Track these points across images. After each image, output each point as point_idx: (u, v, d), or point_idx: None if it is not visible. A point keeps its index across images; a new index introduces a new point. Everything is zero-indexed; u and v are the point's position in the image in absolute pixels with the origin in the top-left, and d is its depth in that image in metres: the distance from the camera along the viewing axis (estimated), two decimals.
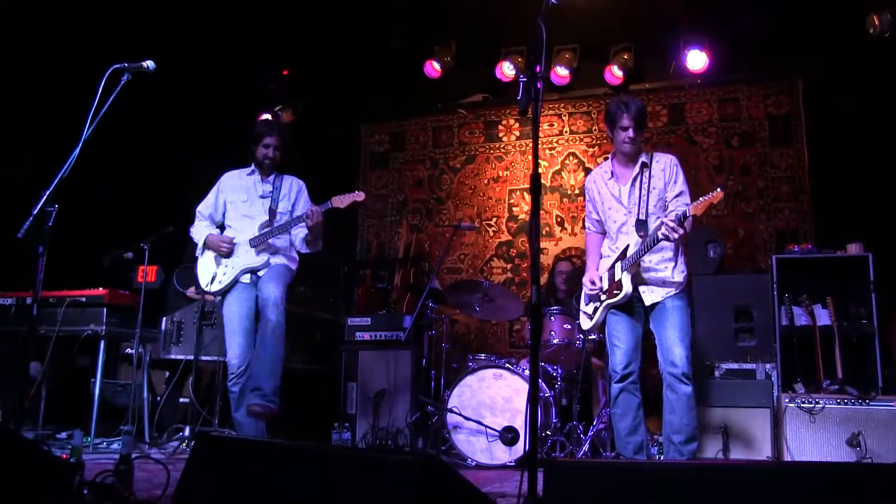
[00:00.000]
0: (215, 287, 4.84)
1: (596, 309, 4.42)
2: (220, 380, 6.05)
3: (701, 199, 3.90)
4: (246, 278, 4.81)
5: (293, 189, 5.03)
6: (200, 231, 4.99)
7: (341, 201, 4.70)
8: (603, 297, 4.37)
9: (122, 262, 5.98)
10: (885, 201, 6.26)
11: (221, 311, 4.90)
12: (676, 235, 3.96)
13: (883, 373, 5.34)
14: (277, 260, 4.87)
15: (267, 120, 5.07)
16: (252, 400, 4.52)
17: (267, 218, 4.85)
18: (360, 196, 4.72)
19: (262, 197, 4.94)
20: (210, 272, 4.88)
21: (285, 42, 7.40)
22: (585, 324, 4.58)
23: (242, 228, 4.89)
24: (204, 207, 5.06)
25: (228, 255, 4.84)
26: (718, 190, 3.87)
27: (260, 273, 4.82)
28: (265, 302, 4.68)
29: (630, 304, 4.31)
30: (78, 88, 4.36)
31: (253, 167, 5.02)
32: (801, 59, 6.93)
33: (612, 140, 4.42)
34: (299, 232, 4.90)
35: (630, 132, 4.27)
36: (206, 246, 4.92)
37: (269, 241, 4.82)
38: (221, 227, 5.04)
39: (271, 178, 5.00)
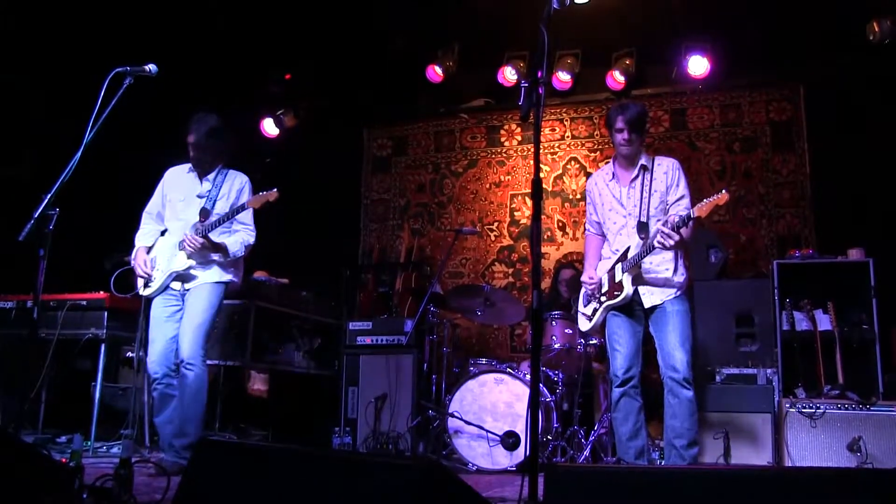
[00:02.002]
0: (147, 291, 4.69)
1: (595, 310, 4.43)
2: (220, 384, 6.06)
3: (706, 200, 3.93)
4: (176, 285, 4.64)
5: (234, 188, 4.75)
6: (139, 239, 4.81)
7: (255, 202, 4.50)
8: (603, 298, 4.38)
9: (122, 265, 5.97)
10: (886, 207, 6.27)
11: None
12: (671, 242, 3.98)
13: (884, 378, 5.35)
14: (206, 275, 4.63)
15: (201, 112, 4.86)
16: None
17: (199, 220, 4.60)
18: (272, 195, 4.47)
19: (200, 196, 4.70)
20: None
21: (288, 45, 7.41)
22: (584, 325, 4.59)
23: (176, 231, 4.69)
24: (150, 207, 4.87)
25: (145, 279, 4.67)
26: (724, 192, 3.89)
27: (187, 286, 4.63)
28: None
29: (630, 307, 4.32)
30: (79, 89, 4.37)
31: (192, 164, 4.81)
32: (803, 66, 6.94)
33: (613, 143, 4.46)
34: (236, 237, 4.68)
35: (625, 134, 4.30)
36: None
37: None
38: None
39: (212, 176, 4.76)
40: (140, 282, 4.77)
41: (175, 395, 4.59)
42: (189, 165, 4.82)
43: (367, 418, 6.06)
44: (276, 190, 4.50)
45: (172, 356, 4.58)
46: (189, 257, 4.58)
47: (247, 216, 4.72)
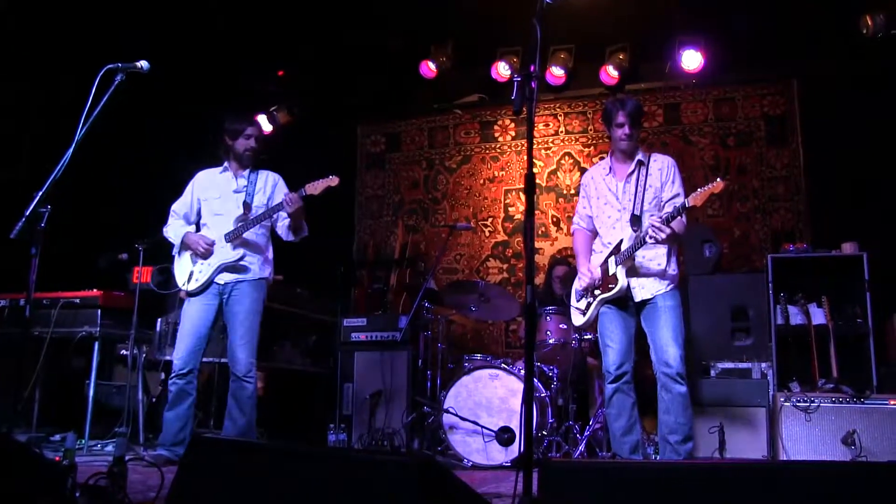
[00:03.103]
0: (193, 286, 4.76)
1: (589, 304, 4.44)
2: (216, 381, 6.05)
3: (701, 189, 3.96)
4: (220, 279, 4.75)
5: (269, 183, 4.97)
6: (176, 230, 4.91)
7: (314, 188, 4.64)
8: (597, 291, 4.39)
9: (116, 263, 5.96)
10: (879, 201, 6.28)
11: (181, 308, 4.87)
12: (663, 235, 4.00)
13: (878, 371, 5.37)
14: (253, 269, 4.79)
15: (242, 112, 5.04)
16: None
17: (241, 212, 4.79)
18: (333, 181, 4.64)
19: (236, 192, 4.89)
20: (187, 270, 4.81)
21: (281, 42, 7.39)
22: (577, 320, 4.59)
23: (217, 225, 4.83)
24: (178, 206, 5.00)
25: (205, 255, 4.76)
26: (719, 180, 3.91)
27: (229, 278, 4.74)
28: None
29: (623, 301, 4.33)
30: (75, 87, 4.35)
31: (225, 165, 4.96)
32: (797, 60, 6.95)
33: (611, 138, 4.46)
34: (282, 223, 4.87)
35: (626, 128, 4.33)
36: (183, 245, 4.85)
37: (245, 235, 4.76)
38: (197, 226, 4.98)
39: (245, 173, 4.94)
40: (183, 277, 4.82)
41: (193, 393, 4.72)
42: (222, 167, 4.97)
43: (362, 415, 6.06)
44: (335, 177, 4.65)
45: (200, 355, 4.73)
46: (234, 248, 4.74)
47: None
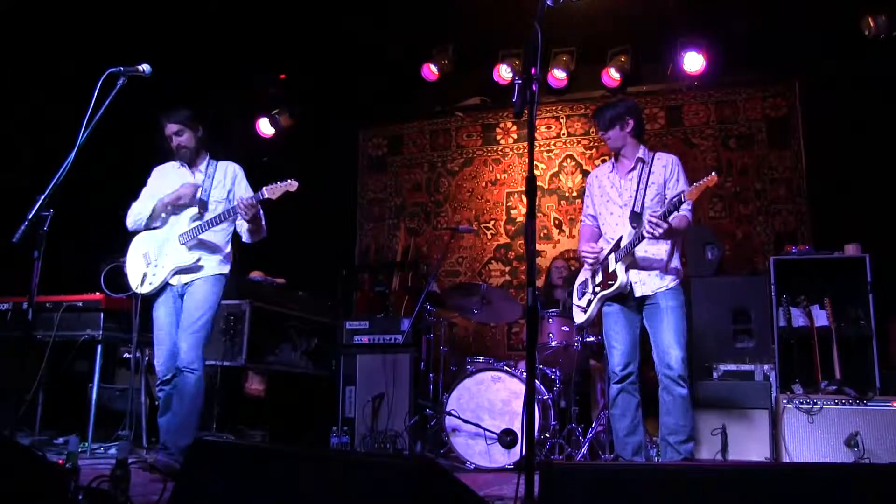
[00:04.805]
0: (146, 289, 4.55)
1: (590, 302, 4.43)
2: (217, 384, 6.05)
3: (695, 184, 3.93)
4: (175, 280, 4.53)
5: (228, 175, 4.68)
6: (138, 210, 4.61)
7: (272, 191, 4.36)
8: (597, 288, 4.38)
9: (119, 266, 5.95)
10: (882, 203, 6.28)
11: (151, 314, 4.65)
12: (660, 231, 3.98)
13: (880, 373, 5.37)
14: (209, 267, 4.53)
15: (169, 109, 4.80)
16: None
17: (197, 211, 4.53)
18: (292, 185, 4.36)
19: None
20: (140, 272, 4.59)
21: (283, 45, 7.40)
22: (579, 318, 4.58)
23: (170, 224, 4.59)
24: (137, 207, 4.71)
25: (189, 200, 4.53)
26: (713, 174, 3.88)
27: (185, 280, 4.52)
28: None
29: (625, 299, 4.32)
30: (77, 90, 4.35)
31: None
32: (799, 61, 6.94)
33: None
34: (242, 223, 4.60)
35: (600, 131, 4.50)
36: (154, 210, 4.57)
37: (201, 236, 4.51)
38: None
39: (203, 166, 4.67)
40: (136, 279, 4.64)
41: None
42: (178, 162, 4.72)
43: (364, 417, 6.06)
44: (294, 181, 4.39)
45: (176, 360, 4.55)
46: (190, 250, 4.49)
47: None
